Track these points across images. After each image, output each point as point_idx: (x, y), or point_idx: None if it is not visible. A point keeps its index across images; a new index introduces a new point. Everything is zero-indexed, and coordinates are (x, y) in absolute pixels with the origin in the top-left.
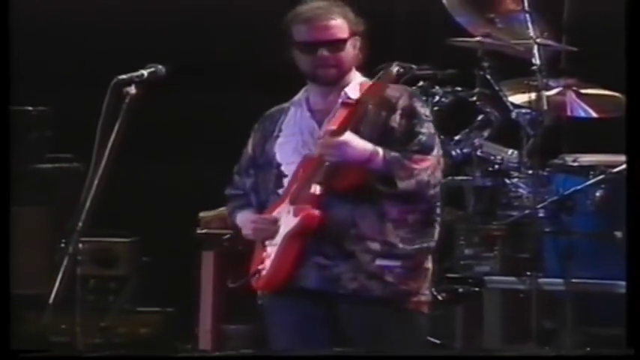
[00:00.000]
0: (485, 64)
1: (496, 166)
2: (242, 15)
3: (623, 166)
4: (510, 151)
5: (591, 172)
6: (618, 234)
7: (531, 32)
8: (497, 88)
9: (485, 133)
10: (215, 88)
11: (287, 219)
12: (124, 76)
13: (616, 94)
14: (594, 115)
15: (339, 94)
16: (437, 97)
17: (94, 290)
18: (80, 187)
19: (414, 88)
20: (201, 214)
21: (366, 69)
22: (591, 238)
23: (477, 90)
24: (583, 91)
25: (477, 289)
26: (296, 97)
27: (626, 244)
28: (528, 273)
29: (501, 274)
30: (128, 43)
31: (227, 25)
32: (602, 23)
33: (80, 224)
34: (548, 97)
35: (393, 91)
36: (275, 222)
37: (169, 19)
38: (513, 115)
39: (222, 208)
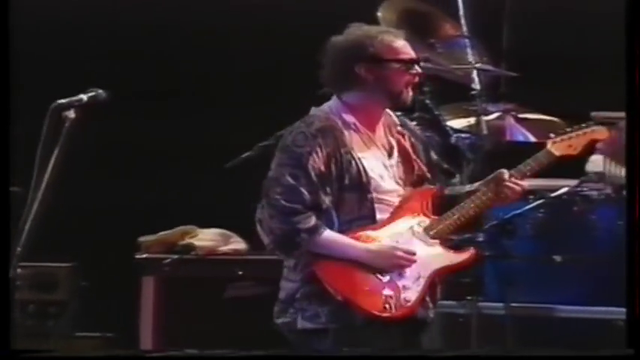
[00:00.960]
0: (425, 89)
1: None
2: (189, 40)
3: (563, 190)
4: (451, 174)
5: (531, 197)
6: (557, 258)
7: (470, 57)
8: (436, 112)
9: None
10: (157, 112)
11: (429, 250)
12: (62, 101)
13: (554, 118)
14: (533, 139)
15: (384, 116)
16: None
17: (33, 315)
18: (19, 212)
19: None
20: (141, 239)
21: (298, 92)
22: (531, 262)
23: (416, 114)
24: (522, 115)
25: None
26: (327, 115)
27: (626, 244)
28: (468, 297)
29: (441, 298)
30: (68, 67)
31: (173, 49)
32: (541, 49)
33: (19, 249)
34: (487, 121)
35: None
36: (414, 254)
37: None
38: (453, 139)
39: (162, 233)
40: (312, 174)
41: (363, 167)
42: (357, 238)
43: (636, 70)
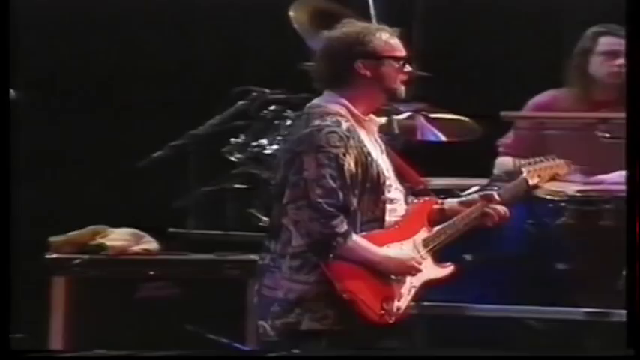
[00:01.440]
0: None
1: None
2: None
3: (473, 189)
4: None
5: (442, 196)
6: (467, 257)
7: None
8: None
9: None
10: (66, 111)
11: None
12: None
13: (465, 118)
14: (444, 139)
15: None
16: (289, 122)
17: None
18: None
19: None
20: (52, 239)
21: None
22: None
23: None
24: (433, 115)
25: None
26: (344, 112)
27: (626, 244)
28: None
29: None
30: None
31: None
32: (452, 49)
33: None
34: (398, 121)
35: None
36: (421, 263)
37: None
38: None
39: (73, 232)
40: (347, 176)
41: (381, 169)
42: (375, 241)
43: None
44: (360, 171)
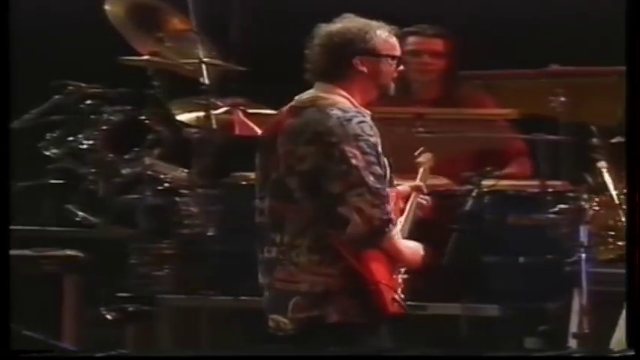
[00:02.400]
0: (155, 83)
1: (166, 185)
2: None
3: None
4: (181, 169)
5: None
6: None
7: (199, 52)
8: (167, 107)
9: (156, 152)
10: None
11: None
12: None
13: None
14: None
15: None
16: (106, 116)
17: None
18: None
19: None
20: None
21: None
22: None
23: (147, 109)
24: (250, 110)
25: (148, 307)
26: (349, 106)
27: (626, 244)
28: (201, 291)
29: (174, 292)
30: None
31: None
32: (269, 44)
33: None
34: (216, 116)
35: None
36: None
37: None
38: (183, 134)
39: None
40: (383, 164)
41: (388, 160)
42: None
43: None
44: (385, 160)
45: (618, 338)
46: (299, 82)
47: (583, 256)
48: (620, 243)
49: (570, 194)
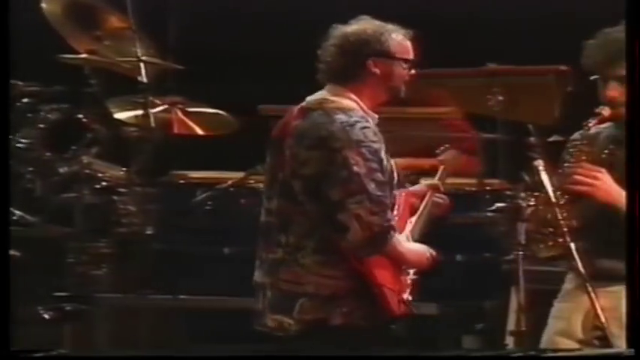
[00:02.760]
0: (93, 82)
1: (104, 184)
2: None
3: (230, 182)
4: (119, 168)
5: (199, 189)
6: (226, 250)
7: (137, 50)
8: (105, 105)
9: (94, 151)
10: None
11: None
12: None
13: (221, 112)
14: (200, 132)
15: None
16: (43, 115)
17: None
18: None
19: None
20: None
21: None
22: (203, 254)
23: (84, 107)
24: (189, 109)
25: (86, 307)
26: (349, 108)
27: (626, 244)
28: (139, 290)
29: (111, 291)
30: None
31: None
32: (208, 42)
33: None
34: (154, 114)
35: None
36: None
37: None
38: (121, 132)
39: None
40: (385, 170)
41: (393, 164)
42: None
43: (636, 71)
44: (388, 165)
45: (548, 337)
46: (238, 79)
47: (521, 254)
48: (559, 240)
49: (508, 192)
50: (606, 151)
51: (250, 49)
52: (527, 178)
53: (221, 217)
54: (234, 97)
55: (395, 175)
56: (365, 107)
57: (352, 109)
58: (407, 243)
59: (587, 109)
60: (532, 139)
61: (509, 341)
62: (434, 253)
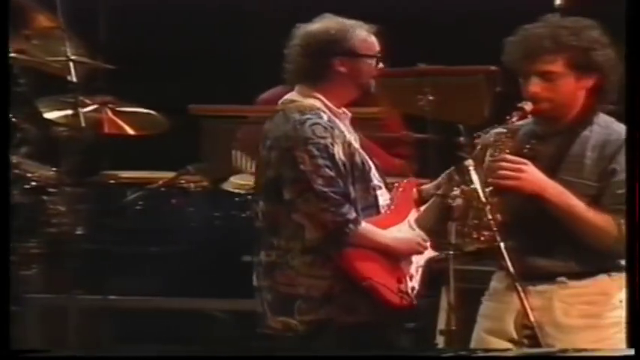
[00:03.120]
0: (22, 81)
1: (34, 184)
2: None
3: (161, 182)
4: (48, 168)
5: (130, 189)
6: (155, 249)
7: (67, 49)
8: (34, 105)
9: (23, 151)
10: None
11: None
12: None
13: (152, 112)
14: (130, 132)
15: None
16: None
17: None
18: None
19: None
20: None
21: None
22: (130, 254)
23: (13, 107)
24: (120, 109)
25: (16, 307)
26: (310, 106)
27: (626, 244)
28: (69, 290)
29: (42, 292)
30: None
31: None
32: (139, 42)
33: None
34: (84, 114)
35: None
36: (427, 242)
37: None
38: (51, 132)
39: None
40: (340, 164)
41: (364, 157)
42: (377, 226)
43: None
44: (347, 160)
45: (478, 336)
46: (169, 79)
47: (451, 253)
48: (485, 233)
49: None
50: (528, 146)
51: (180, 49)
52: (457, 177)
53: (151, 217)
54: (165, 96)
55: (369, 167)
56: (332, 106)
57: (310, 107)
58: (391, 232)
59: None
60: (462, 138)
61: (440, 340)
62: (427, 240)
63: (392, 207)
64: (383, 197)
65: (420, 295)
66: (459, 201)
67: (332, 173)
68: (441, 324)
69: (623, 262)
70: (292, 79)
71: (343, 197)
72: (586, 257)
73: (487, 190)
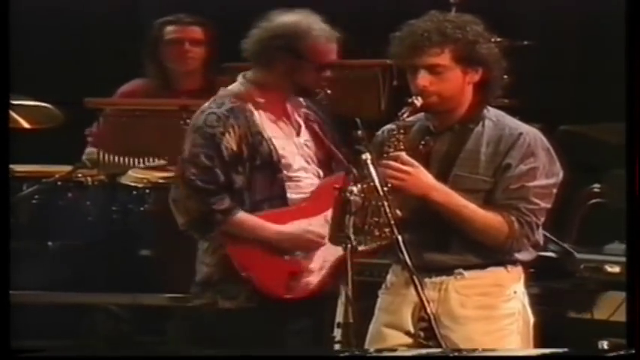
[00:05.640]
0: None
1: None
2: None
3: (57, 176)
4: None
5: (25, 183)
6: (50, 244)
7: None
8: None
9: None
10: None
11: None
12: None
13: (47, 105)
14: (25, 125)
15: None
16: None
17: None
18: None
19: None
20: None
21: None
22: (26, 248)
23: None
24: (13, 102)
25: None
26: (237, 95)
27: (626, 244)
28: None
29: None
30: None
31: None
32: (34, 37)
33: None
34: None
35: None
36: (324, 238)
37: None
38: None
39: None
40: (225, 154)
41: (274, 146)
42: (271, 219)
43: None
44: (245, 149)
45: (376, 329)
46: (65, 72)
47: (349, 246)
48: (386, 230)
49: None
50: (423, 142)
51: (76, 42)
52: (355, 171)
53: (48, 211)
54: (60, 89)
55: (276, 156)
56: (257, 96)
57: (225, 95)
58: (269, 225)
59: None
60: (360, 132)
61: (337, 333)
62: (317, 232)
63: (308, 200)
64: (302, 189)
65: (320, 289)
66: (356, 195)
67: (208, 162)
68: (339, 317)
69: (519, 257)
70: (247, 58)
71: (218, 187)
72: (483, 250)
73: (385, 187)
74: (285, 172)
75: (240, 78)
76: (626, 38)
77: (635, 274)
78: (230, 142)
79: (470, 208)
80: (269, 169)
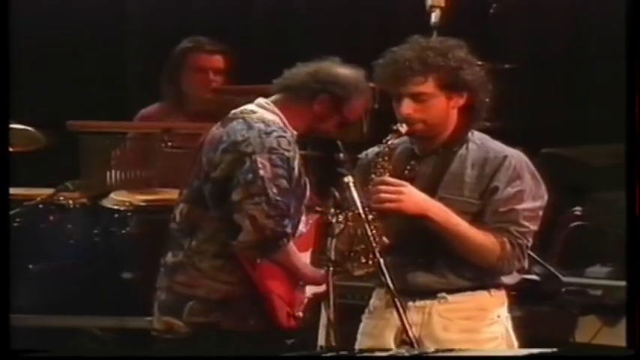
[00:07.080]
0: None
1: None
2: None
3: (39, 199)
4: None
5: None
6: (32, 266)
7: None
8: None
9: None
10: None
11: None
12: None
13: (28, 127)
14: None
15: None
16: None
17: None
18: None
19: None
20: None
21: None
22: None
23: None
24: None
25: None
26: (275, 122)
27: (626, 245)
28: None
29: None
30: None
31: None
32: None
33: None
34: None
35: None
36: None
37: None
38: None
39: None
40: (293, 180)
41: (305, 177)
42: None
43: (636, 69)
44: (298, 177)
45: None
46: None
47: (331, 269)
48: (371, 256)
49: (317, 208)
50: (408, 167)
51: (59, 64)
52: (337, 194)
53: (29, 234)
54: (42, 112)
55: (307, 192)
56: (287, 123)
57: (274, 123)
58: (304, 259)
59: (394, 124)
60: (341, 155)
61: None
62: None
63: (304, 232)
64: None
65: (303, 321)
66: (340, 222)
67: (287, 185)
68: (321, 340)
69: (504, 280)
70: (274, 88)
71: (288, 211)
72: (466, 273)
73: (368, 210)
74: (305, 201)
75: (265, 104)
76: (627, 38)
77: (635, 273)
78: (297, 168)
79: (464, 225)
80: (301, 200)
